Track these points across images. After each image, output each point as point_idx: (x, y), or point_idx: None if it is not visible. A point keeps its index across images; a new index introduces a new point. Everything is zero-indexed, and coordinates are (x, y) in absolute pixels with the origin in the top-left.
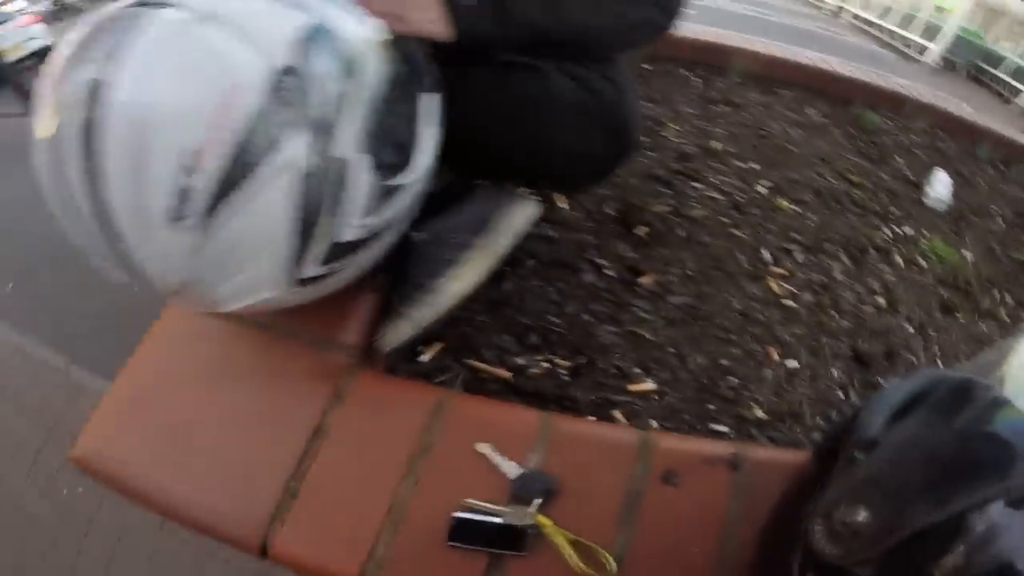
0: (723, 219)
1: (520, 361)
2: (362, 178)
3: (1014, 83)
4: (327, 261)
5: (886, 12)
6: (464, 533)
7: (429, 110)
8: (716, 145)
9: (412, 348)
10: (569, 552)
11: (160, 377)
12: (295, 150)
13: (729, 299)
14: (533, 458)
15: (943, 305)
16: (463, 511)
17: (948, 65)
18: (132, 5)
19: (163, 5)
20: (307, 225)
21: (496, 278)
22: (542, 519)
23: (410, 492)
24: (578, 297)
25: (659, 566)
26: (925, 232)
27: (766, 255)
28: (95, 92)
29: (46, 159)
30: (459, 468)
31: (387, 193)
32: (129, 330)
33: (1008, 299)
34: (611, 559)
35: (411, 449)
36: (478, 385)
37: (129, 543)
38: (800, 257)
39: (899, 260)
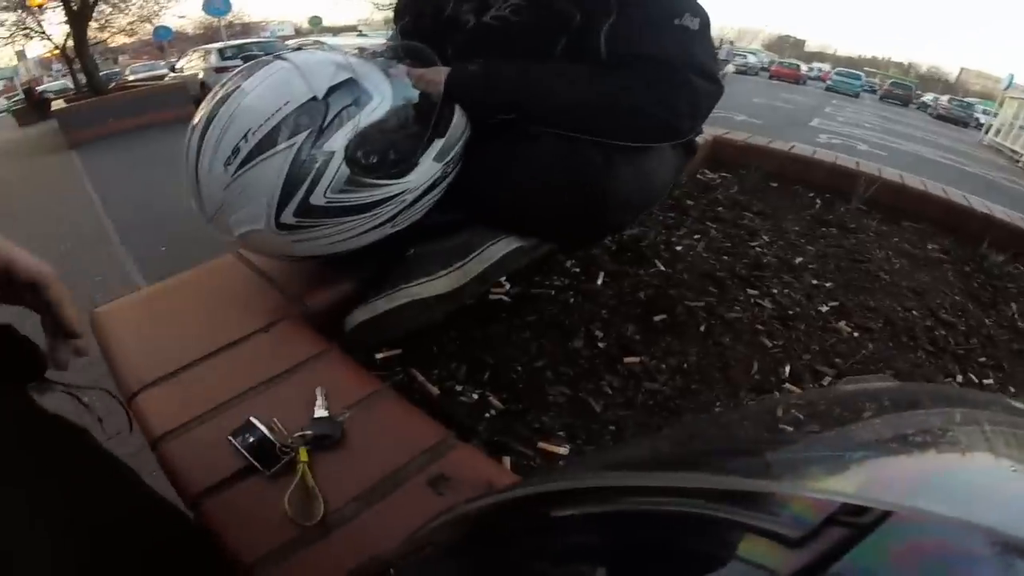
0: (759, 326)
1: (459, 388)
2: (339, 167)
3: None
4: (299, 215)
5: None
6: (242, 435)
7: (436, 150)
8: (798, 260)
9: (376, 346)
10: (297, 484)
11: (181, 282)
12: (299, 140)
13: (712, 402)
14: (347, 413)
15: None
16: (258, 419)
17: None
18: (273, 57)
19: (281, 58)
20: (291, 185)
21: (486, 319)
22: (303, 452)
23: (246, 396)
24: (554, 357)
25: (355, 545)
26: (1012, 388)
27: (786, 370)
28: (224, 98)
29: (185, 137)
30: (296, 397)
31: (362, 186)
32: None
33: None
34: (320, 509)
35: (276, 371)
36: (407, 392)
37: None
38: (828, 382)
39: None
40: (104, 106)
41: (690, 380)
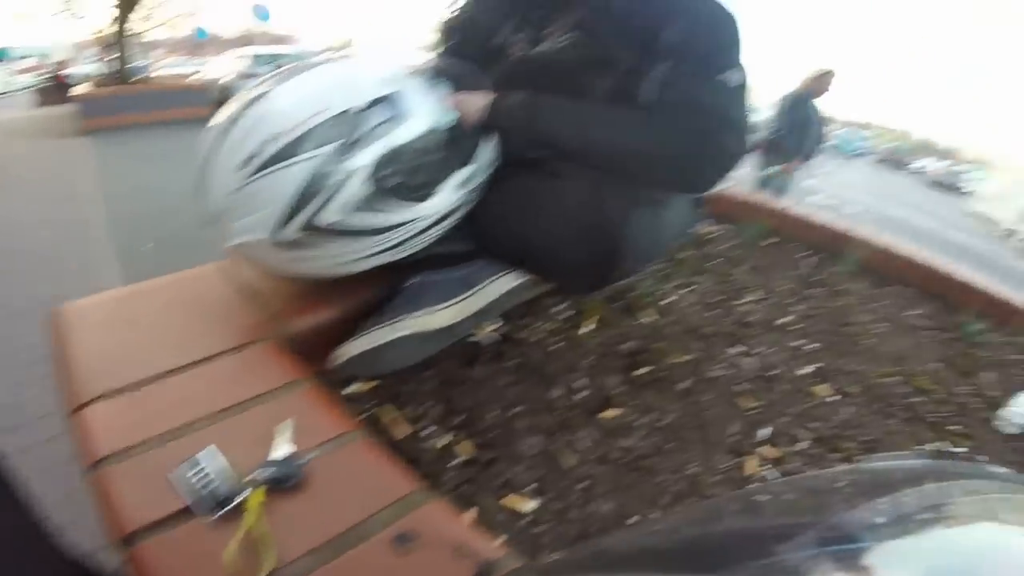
0: (738, 386)
1: (429, 430)
2: (358, 186)
3: None
4: (305, 231)
5: None
6: (188, 470)
7: (461, 179)
8: (784, 320)
9: (351, 378)
10: (247, 532)
11: (157, 287)
12: (324, 152)
13: (686, 463)
14: (313, 453)
15: None
16: (211, 454)
17: None
18: (317, 61)
19: (326, 63)
20: (304, 198)
21: (471, 360)
22: (255, 496)
23: (203, 423)
24: (531, 407)
25: None
26: (979, 458)
27: (763, 433)
28: (255, 100)
29: (205, 136)
30: (259, 429)
31: (379, 208)
32: None
33: None
34: (270, 563)
35: (242, 398)
36: (374, 432)
37: None
38: (804, 446)
39: None
40: (124, 96)
41: (667, 439)
